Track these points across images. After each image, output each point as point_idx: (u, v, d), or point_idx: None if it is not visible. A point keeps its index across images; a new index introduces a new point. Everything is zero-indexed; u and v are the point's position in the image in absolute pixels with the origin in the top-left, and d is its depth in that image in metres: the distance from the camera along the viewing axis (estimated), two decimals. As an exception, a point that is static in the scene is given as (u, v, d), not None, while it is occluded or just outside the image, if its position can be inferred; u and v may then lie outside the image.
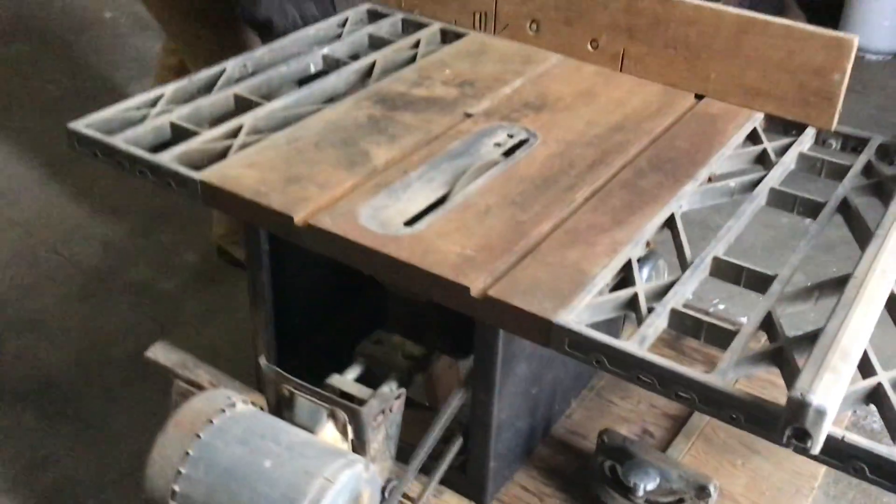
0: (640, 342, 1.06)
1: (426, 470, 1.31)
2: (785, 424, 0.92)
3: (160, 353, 1.60)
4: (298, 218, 1.26)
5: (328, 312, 1.59)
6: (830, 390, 0.90)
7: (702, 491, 1.29)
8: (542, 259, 1.19)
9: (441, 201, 1.31)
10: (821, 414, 0.89)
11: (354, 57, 1.77)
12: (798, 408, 0.90)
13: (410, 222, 1.25)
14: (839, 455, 0.95)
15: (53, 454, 2.31)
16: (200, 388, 1.54)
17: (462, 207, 1.29)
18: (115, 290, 2.91)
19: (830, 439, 0.93)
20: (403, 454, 1.32)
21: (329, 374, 1.33)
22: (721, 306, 2.70)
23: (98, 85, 4.17)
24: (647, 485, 1.28)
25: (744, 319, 1.14)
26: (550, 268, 1.17)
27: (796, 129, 1.57)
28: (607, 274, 1.17)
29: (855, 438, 0.93)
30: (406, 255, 1.18)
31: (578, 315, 1.10)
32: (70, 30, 4.71)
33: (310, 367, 1.34)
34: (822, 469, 1.44)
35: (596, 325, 1.09)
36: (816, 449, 0.92)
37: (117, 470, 2.28)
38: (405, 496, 1.30)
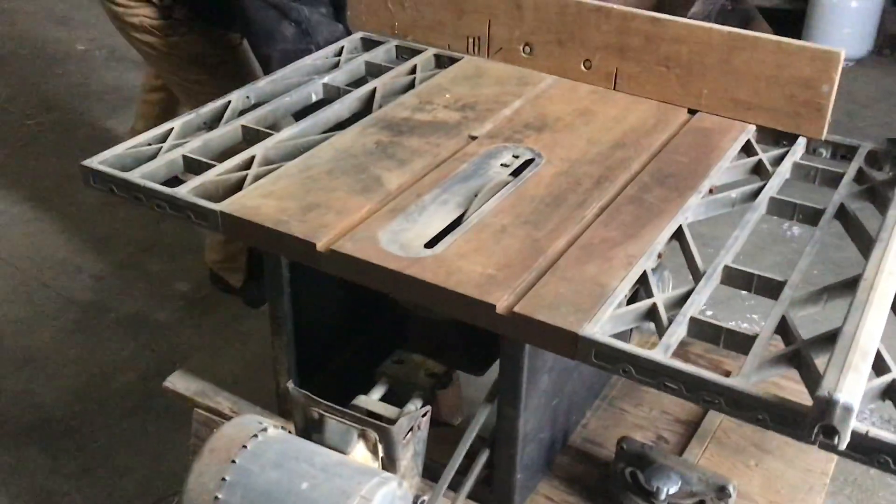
0: (664, 350, 1.11)
1: (452, 485, 1.34)
2: (813, 422, 0.96)
3: (179, 382, 1.62)
4: (321, 245, 1.29)
5: (343, 336, 1.62)
6: (854, 389, 0.95)
7: (721, 491, 1.34)
8: (561, 275, 1.23)
9: (457, 222, 1.35)
10: (848, 411, 0.94)
11: (353, 84, 1.81)
12: (826, 406, 0.94)
13: (430, 244, 1.29)
14: (864, 449, 0.99)
15: (59, 489, 2.32)
16: (221, 415, 1.57)
17: (478, 228, 1.33)
18: (108, 323, 2.92)
19: (855, 435, 0.98)
20: (425, 471, 1.35)
21: (346, 396, 1.36)
22: (709, 312, 2.76)
23: (76, 118, 4.18)
24: (670, 488, 1.33)
25: (746, 326, 1.19)
26: (570, 283, 1.21)
27: (787, 139, 1.63)
28: (625, 286, 1.21)
29: (878, 433, 0.98)
30: (431, 276, 1.22)
31: (602, 327, 1.14)
32: (45, 64, 4.72)
33: (327, 390, 1.37)
34: (832, 465, 1.49)
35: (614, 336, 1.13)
36: (843, 445, 0.97)
37: (125, 501, 2.29)
38: (434, 512, 1.33)
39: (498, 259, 1.26)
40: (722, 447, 1.51)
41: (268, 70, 2.19)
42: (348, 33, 2.06)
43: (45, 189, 3.61)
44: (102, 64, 4.72)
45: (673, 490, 1.33)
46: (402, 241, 1.30)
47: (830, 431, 0.96)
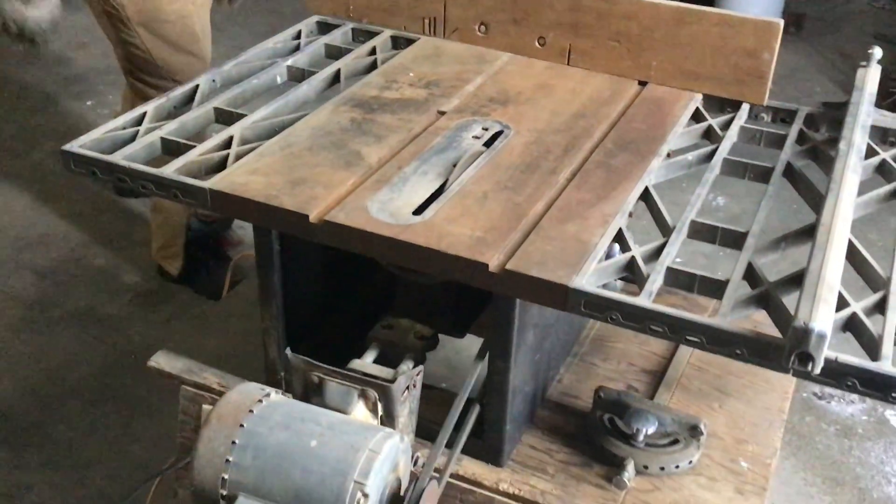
0: (647, 297, 1.20)
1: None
2: (790, 351, 1.07)
3: (164, 361, 1.65)
4: (314, 216, 1.35)
5: (327, 307, 1.68)
6: (826, 318, 1.06)
7: (694, 430, 1.45)
8: (544, 234, 1.32)
9: (439, 191, 1.42)
10: (822, 338, 1.05)
11: (315, 67, 1.86)
12: (802, 335, 1.05)
13: (417, 212, 1.36)
14: (833, 374, 1.10)
15: (25, 482, 2.32)
16: (209, 390, 1.61)
17: (461, 195, 1.40)
18: (57, 319, 2.91)
19: (826, 361, 1.09)
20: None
21: (332, 364, 1.42)
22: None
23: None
24: (648, 429, 1.43)
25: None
26: (554, 241, 1.30)
27: (731, 106, 1.75)
28: (605, 242, 1.30)
29: (846, 358, 1.09)
30: (423, 240, 1.29)
31: (588, 279, 1.23)
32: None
33: (314, 358, 1.42)
34: (788, 404, 1.62)
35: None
36: (818, 370, 1.08)
37: (94, 492, 2.31)
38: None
39: (484, 223, 1.34)
40: (687, 393, 1.63)
41: None
42: None
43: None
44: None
45: (651, 430, 1.43)
46: (390, 209, 1.36)
47: (806, 358, 1.07)
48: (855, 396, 2.63)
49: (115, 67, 2.89)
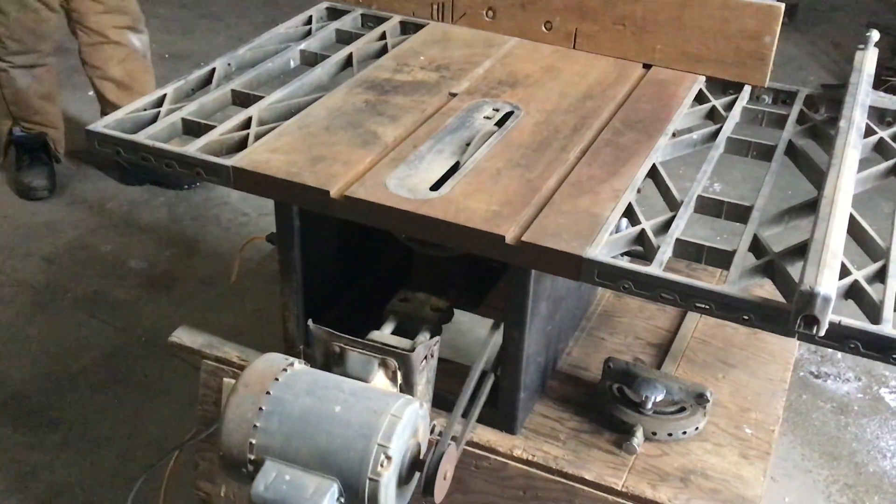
0: (658, 266, 1.26)
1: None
2: (797, 314, 1.12)
3: (185, 336, 1.70)
4: (334, 192, 1.40)
5: (344, 282, 1.73)
6: (831, 283, 1.11)
7: (700, 398, 1.50)
8: (557, 208, 1.37)
9: (454, 168, 1.47)
10: (827, 301, 1.10)
11: (327, 51, 1.91)
12: (809, 298, 1.10)
13: (434, 187, 1.41)
14: (837, 337, 1.16)
15: (42, 461, 2.36)
16: (230, 364, 1.66)
17: (476, 172, 1.45)
18: (66, 303, 2.95)
19: (830, 324, 1.14)
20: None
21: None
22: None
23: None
24: (656, 397, 1.48)
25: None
26: (567, 214, 1.35)
27: (733, 88, 1.80)
28: (616, 215, 1.36)
29: (849, 321, 1.15)
30: (442, 214, 1.34)
31: (600, 250, 1.28)
32: None
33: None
34: (789, 374, 1.68)
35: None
36: (822, 332, 1.13)
37: (109, 471, 2.35)
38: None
39: (499, 197, 1.39)
40: (692, 364, 1.68)
41: None
42: None
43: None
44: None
45: (659, 398, 1.49)
46: (408, 185, 1.41)
47: (811, 321, 1.13)
48: (850, 375, 2.70)
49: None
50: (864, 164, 1.49)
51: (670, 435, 1.49)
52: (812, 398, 2.63)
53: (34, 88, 3.36)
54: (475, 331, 1.71)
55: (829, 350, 2.65)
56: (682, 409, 1.51)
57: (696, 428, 1.51)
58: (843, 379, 2.70)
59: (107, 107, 3.32)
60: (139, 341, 2.76)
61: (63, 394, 2.58)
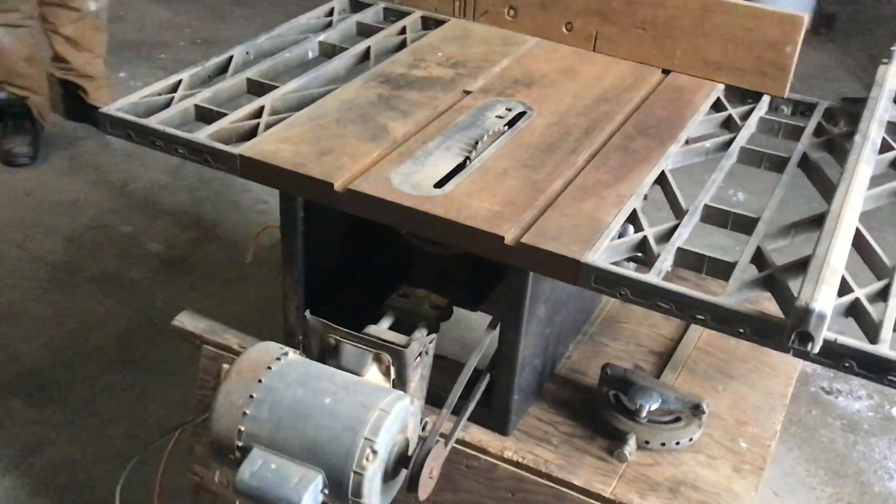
0: (657, 274, 1.24)
1: (453, 409, 1.46)
2: (791, 330, 1.11)
3: (187, 321, 1.71)
4: (338, 184, 1.40)
5: (345, 274, 1.73)
6: (827, 300, 1.10)
7: (696, 409, 1.49)
8: (560, 211, 1.36)
9: (461, 167, 1.47)
10: (822, 318, 1.08)
11: (346, 43, 1.91)
12: (803, 315, 1.09)
13: (439, 185, 1.41)
14: (832, 355, 1.14)
15: (46, 438, 2.38)
16: (230, 350, 1.66)
17: (482, 171, 1.45)
18: (82, 282, 2.97)
19: (825, 342, 1.13)
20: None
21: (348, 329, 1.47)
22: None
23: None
24: (651, 405, 1.47)
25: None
26: (569, 218, 1.34)
27: (752, 97, 1.78)
28: (619, 221, 1.34)
29: (845, 340, 1.13)
30: (443, 212, 1.34)
31: (600, 256, 1.27)
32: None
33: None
34: (790, 389, 1.65)
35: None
36: (817, 349, 1.11)
37: (112, 449, 2.36)
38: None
39: (502, 197, 1.38)
40: (693, 374, 1.66)
41: None
42: None
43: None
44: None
45: (654, 407, 1.47)
46: (412, 181, 1.41)
47: (805, 338, 1.11)
48: (863, 392, 2.66)
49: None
50: (879, 180, 1.46)
51: (663, 444, 1.48)
52: (822, 414, 2.59)
53: (17, 49, 3.44)
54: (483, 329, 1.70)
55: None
56: (678, 420, 1.50)
57: (691, 439, 1.49)
58: (854, 396, 2.66)
59: (55, 59, 3.58)
60: (151, 323, 2.77)
61: (73, 371, 2.60)
